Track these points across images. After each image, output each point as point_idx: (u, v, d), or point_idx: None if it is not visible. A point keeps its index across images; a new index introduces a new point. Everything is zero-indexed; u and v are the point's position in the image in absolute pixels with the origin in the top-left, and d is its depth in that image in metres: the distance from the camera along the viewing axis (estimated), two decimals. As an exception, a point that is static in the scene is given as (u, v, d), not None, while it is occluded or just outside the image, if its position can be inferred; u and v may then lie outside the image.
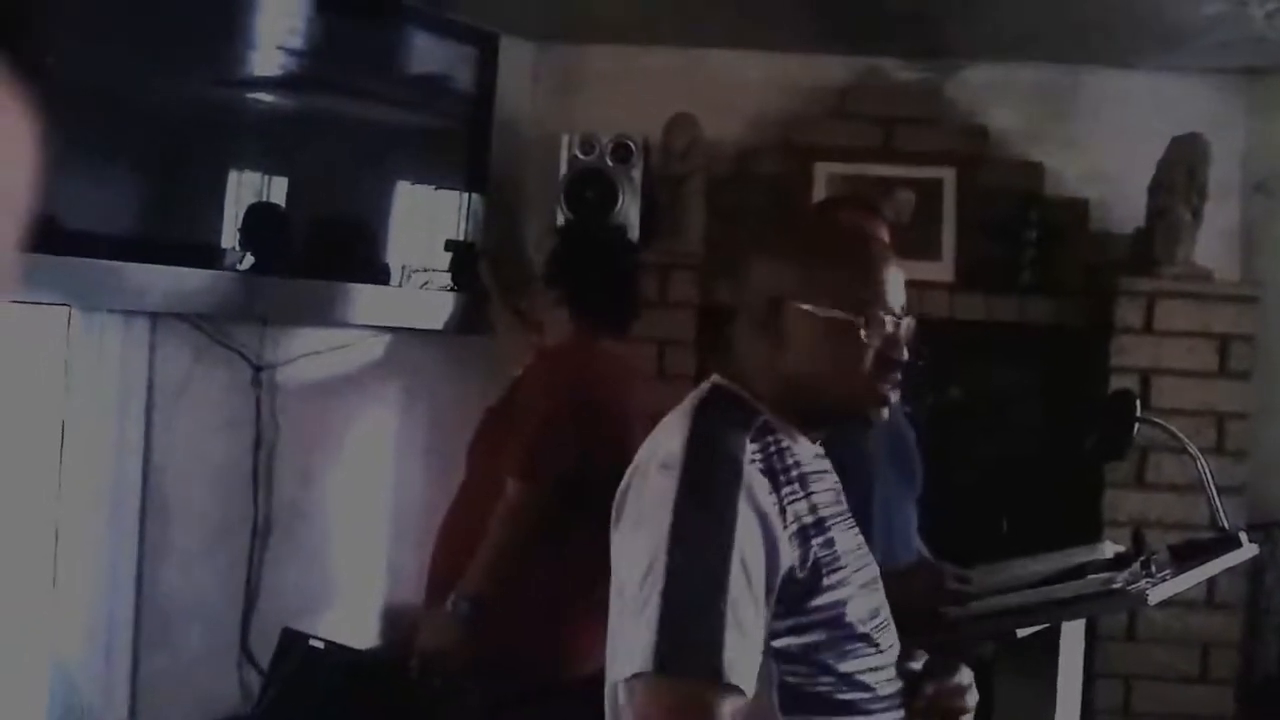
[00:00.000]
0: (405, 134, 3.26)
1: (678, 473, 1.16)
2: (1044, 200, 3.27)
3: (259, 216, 2.84)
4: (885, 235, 2.11)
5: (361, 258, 3.12)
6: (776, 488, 1.19)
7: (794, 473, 1.23)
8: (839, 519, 1.28)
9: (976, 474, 3.19)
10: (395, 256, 3.17)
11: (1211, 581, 2.96)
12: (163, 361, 2.66)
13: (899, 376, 1.29)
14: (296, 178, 2.92)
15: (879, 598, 1.30)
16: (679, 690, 1.09)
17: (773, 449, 1.23)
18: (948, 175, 3.30)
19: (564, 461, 2.24)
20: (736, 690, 1.10)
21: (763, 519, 1.16)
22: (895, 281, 1.29)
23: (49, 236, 2.10)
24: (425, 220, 3.26)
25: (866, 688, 1.22)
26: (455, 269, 3.23)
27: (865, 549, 1.32)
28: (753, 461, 1.19)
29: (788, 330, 1.27)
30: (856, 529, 1.33)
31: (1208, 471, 2.00)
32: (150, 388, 2.64)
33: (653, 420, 1.32)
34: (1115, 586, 1.62)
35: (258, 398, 2.84)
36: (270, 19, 2.84)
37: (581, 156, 3.20)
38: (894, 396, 1.30)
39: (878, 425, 2.11)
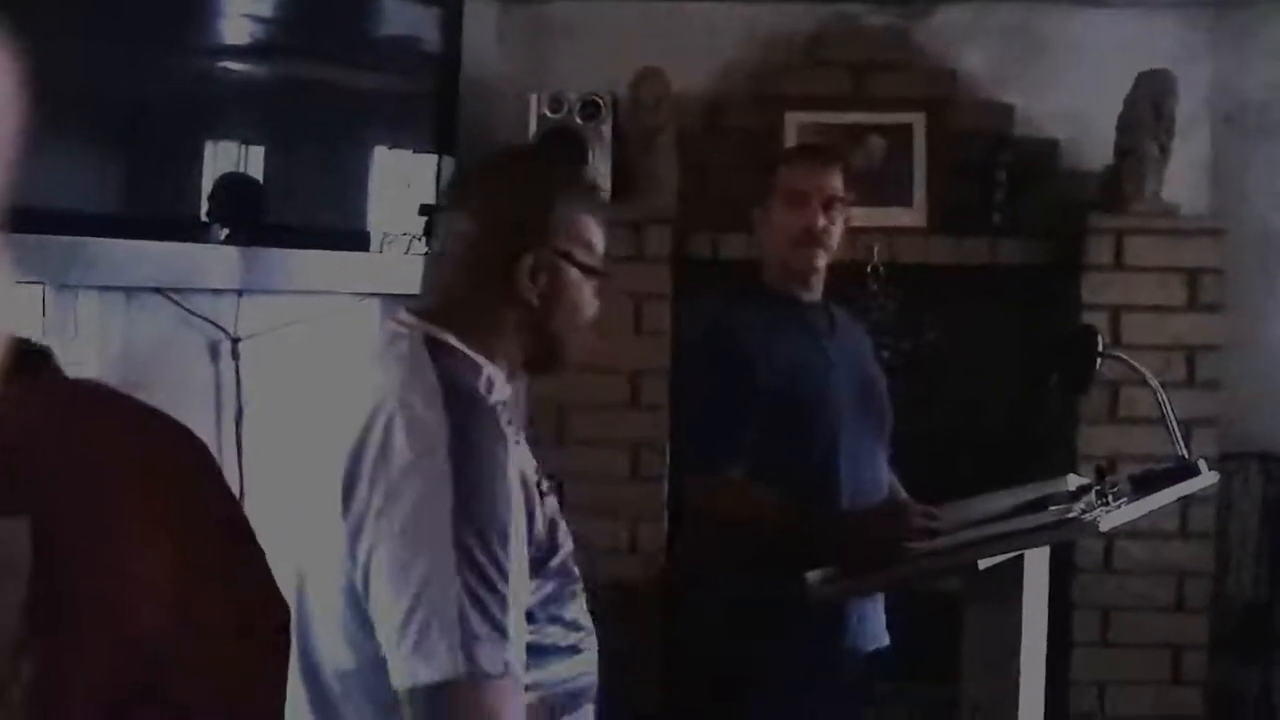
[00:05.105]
0: (375, 98, 3.25)
1: (445, 447, 1.07)
2: (1014, 141, 3.28)
3: (232, 187, 2.85)
4: (840, 182, 2.14)
5: (339, 224, 3.14)
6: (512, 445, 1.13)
7: (511, 423, 1.17)
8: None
9: (953, 414, 3.23)
10: (373, 222, 3.18)
11: (1185, 512, 3.01)
12: (138, 336, 2.68)
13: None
14: (269, 146, 2.93)
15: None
16: (489, 693, 1.03)
17: (498, 400, 1.18)
18: (918, 120, 3.31)
19: None
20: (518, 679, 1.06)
21: (524, 485, 1.11)
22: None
23: (19, 214, 2.12)
24: (402, 185, 3.27)
25: (581, 627, 1.21)
26: (430, 233, 3.23)
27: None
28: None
29: (493, 271, 1.24)
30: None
31: (1167, 402, 2.03)
32: (126, 363, 2.66)
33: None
34: (1069, 516, 1.66)
35: (237, 369, 2.86)
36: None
37: (550, 115, 3.21)
38: (591, 339, 1.29)
39: (845, 368, 2.17)
